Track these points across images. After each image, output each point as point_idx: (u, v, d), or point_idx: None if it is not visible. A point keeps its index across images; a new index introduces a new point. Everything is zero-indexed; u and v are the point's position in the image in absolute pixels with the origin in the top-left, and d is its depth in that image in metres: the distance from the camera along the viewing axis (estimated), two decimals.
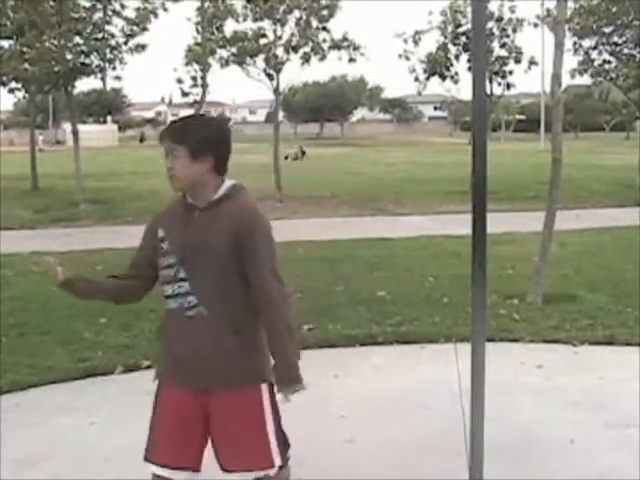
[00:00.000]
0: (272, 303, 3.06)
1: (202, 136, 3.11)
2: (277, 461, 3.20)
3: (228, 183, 3.18)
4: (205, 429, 3.21)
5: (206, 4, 21.78)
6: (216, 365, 3.11)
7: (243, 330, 3.13)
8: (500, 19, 27.68)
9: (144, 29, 21.65)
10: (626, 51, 23.14)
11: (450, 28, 28.39)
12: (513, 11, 27.64)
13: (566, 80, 29.12)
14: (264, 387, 3.18)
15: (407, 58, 28.20)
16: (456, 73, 29.09)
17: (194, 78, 23.33)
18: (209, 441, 3.25)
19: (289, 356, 3.12)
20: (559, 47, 8.29)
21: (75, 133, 21.02)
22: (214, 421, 3.18)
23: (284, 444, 3.27)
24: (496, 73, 27.88)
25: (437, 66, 28.91)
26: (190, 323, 3.11)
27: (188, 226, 3.13)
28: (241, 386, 3.15)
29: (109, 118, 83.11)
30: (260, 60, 22.57)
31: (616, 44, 23.06)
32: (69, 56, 20.95)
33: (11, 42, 21.20)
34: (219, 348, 3.10)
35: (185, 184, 3.12)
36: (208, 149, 3.10)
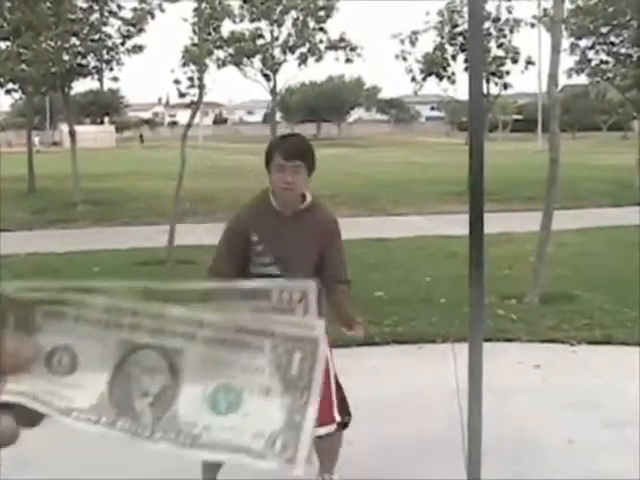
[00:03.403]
0: (345, 292, 4.12)
1: (313, 155, 3.81)
2: (337, 417, 3.78)
3: (309, 196, 3.83)
4: None
5: (203, 5, 21.78)
6: None
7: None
8: (497, 19, 27.68)
9: (141, 30, 21.63)
10: (623, 51, 23.15)
11: (447, 28, 28.39)
12: (510, 11, 27.66)
13: (563, 80, 29.19)
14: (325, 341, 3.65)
15: (404, 58, 28.23)
16: (453, 73, 29.09)
17: (191, 79, 23.38)
18: None
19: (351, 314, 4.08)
20: (556, 47, 8.31)
21: (72, 134, 20.99)
22: None
23: (344, 406, 3.89)
24: (493, 73, 27.88)
25: (434, 66, 28.93)
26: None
27: (281, 230, 3.74)
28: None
29: (106, 119, 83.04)
30: (257, 61, 22.67)
31: (613, 44, 23.07)
32: (66, 57, 20.94)
33: (8, 43, 21.18)
34: None
35: (298, 196, 3.76)
36: (314, 167, 3.79)
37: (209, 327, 0.58)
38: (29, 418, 0.59)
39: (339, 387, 3.90)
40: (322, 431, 3.65)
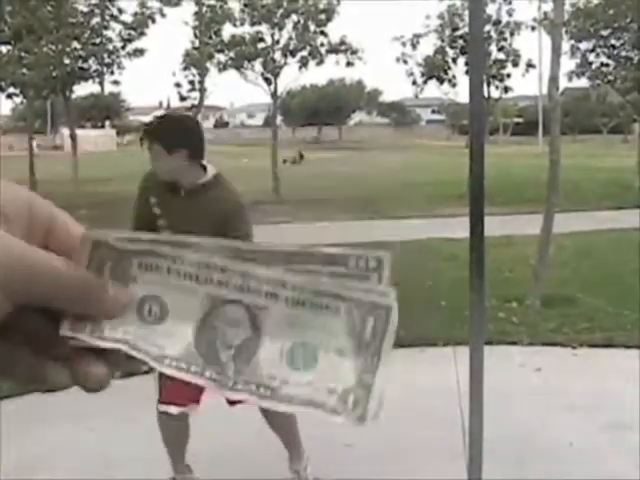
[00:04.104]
0: None
1: (173, 131, 3.65)
2: None
3: (211, 171, 3.71)
4: None
5: (204, 8, 21.82)
6: None
7: None
8: (498, 22, 27.71)
9: (142, 34, 21.68)
10: (624, 54, 23.17)
11: (448, 31, 28.43)
12: (510, 14, 27.69)
13: (564, 83, 29.21)
14: None
15: (405, 62, 28.29)
16: (454, 76, 29.16)
17: (192, 82, 23.34)
18: None
19: None
20: (556, 50, 8.31)
21: (73, 138, 21.04)
22: None
23: None
24: (494, 76, 27.91)
25: (435, 69, 28.97)
26: None
27: (176, 204, 3.69)
28: None
29: (107, 123, 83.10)
30: (258, 64, 22.63)
31: (613, 47, 23.09)
32: (67, 61, 20.99)
33: (9, 47, 21.22)
34: None
35: (165, 175, 3.66)
36: (176, 143, 3.60)
37: (291, 288, 0.61)
38: (123, 365, 0.61)
39: None
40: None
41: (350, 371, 0.61)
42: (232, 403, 3.79)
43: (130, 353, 0.60)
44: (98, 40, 21.88)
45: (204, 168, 3.71)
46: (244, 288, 0.62)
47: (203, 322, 0.62)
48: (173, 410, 3.84)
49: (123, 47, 21.90)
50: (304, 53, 22.59)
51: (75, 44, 21.56)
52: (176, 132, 3.65)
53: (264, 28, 22.45)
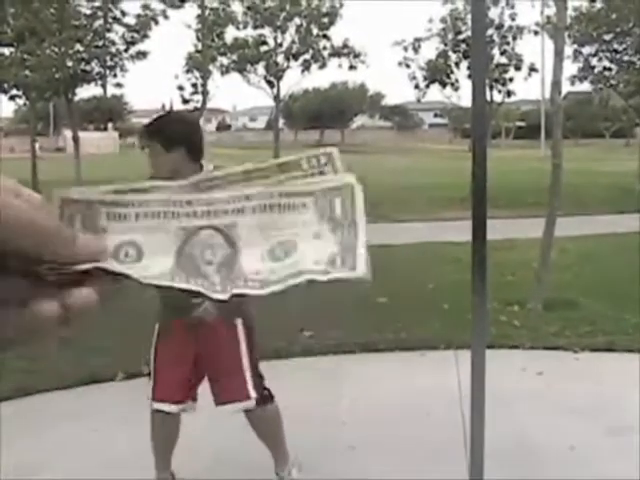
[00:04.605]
0: None
1: (171, 131, 3.64)
2: (253, 394, 3.81)
3: (208, 168, 3.67)
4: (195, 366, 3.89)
5: (207, 11, 21.84)
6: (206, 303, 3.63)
7: None
8: (500, 26, 27.75)
9: (145, 36, 21.71)
10: (626, 58, 23.19)
11: (450, 35, 28.45)
12: (513, 18, 27.72)
13: (566, 87, 29.21)
14: (239, 322, 3.81)
15: (407, 65, 28.30)
16: (456, 80, 29.18)
17: (195, 85, 23.39)
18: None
19: None
20: (559, 54, 8.32)
21: (76, 140, 21.05)
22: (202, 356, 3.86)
23: (259, 379, 3.89)
24: (496, 80, 27.93)
25: (437, 73, 28.99)
26: None
27: None
28: (219, 322, 3.73)
29: (110, 125, 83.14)
30: (261, 67, 22.69)
31: (616, 51, 23.11)
32: (70, 63, 21.01)
33: (12, 49, 21.24)
34: None
35: (164, 173, 3.58)
36: (179, 141, 3.61)
37: (254, 198, 0.65)
38: (105, 283, 0.62)
39: (253, 364, 3.89)
40: (240, 406, 3.87)
41: (331, 244, 0.64)
42: (220, 404, 3.89)
43: (112, 269, 0.61)
44: (101, 42, 21.92)
45: (202, 167, 3.71)
46: (211, 213, 0.64)
47: (180, 252, 0.64)
48: (168, 408, 3.87)
49: (126, 50, 21.94)
50: (307, 56, 22.65)
51: (78, 46, 21.60)
52: (175, 130, 3.66)
53: (267, 31, 22.54)
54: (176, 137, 3.62)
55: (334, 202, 0.65)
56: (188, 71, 23.37)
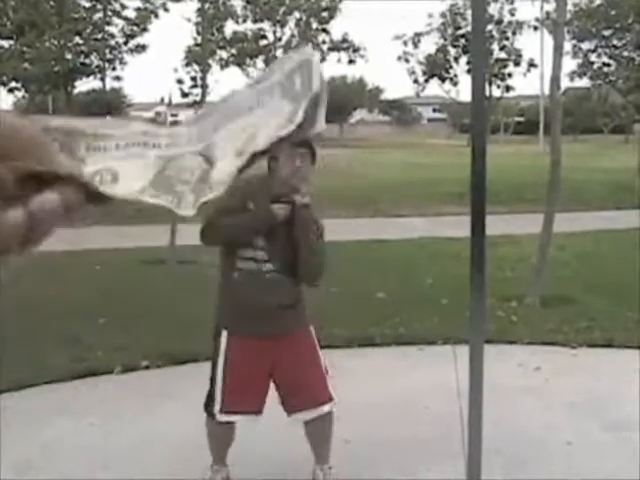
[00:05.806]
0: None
1: None
2: (333, 395, 3.96)
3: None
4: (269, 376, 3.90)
5: (206, 5, 21.81)
6: (286, 314, 3.84)
7: (299, 284, 3.90)
8: (500, 22, 27.76)
9: (144, 29, 21.69)
10: (625, 54, 23.19)
11: (450, 30, 28.46)
12: (513, 14, 27.73)
13: (565, 83, 29.21)
14: (312, 330, 3.99)
15: (407, 60, 28.32)
16: (455, 75, 29.24)
17: (194, 79, 23.36)
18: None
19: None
20: (558, 50, 8.31)
21: None
22: (279, 366, 3.88)
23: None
24: (495, 75, 27.95)
25: (436, 68, 29.00)
26: (268, 281, 3.77)
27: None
28: (297, 331, 3.91)
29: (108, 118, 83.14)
30: (260, 61, 22.67)
31: (615, 47, 23.11)
32: (69, 56, 21.00)
33: (11, 42, 21.21)
34: (291, 300, 3.85)
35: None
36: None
37: (226, 110, 0.67)
38: (75, 191, 0.60)
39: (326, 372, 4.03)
40: (325, 409, 3.93)
41: (291, 109, 0.64)
42: (297, 411, 3.96)
43: (82, 179, 0.61)
44: (100, 35, 21.91)
45: None
46: (192, 140, 0.65)
47: (157, 176, 0.64)
48: (234, 418, 3.91)
49: (125, 43, 21.93)
50: None
51: (77, 39, 21.58)
52: None
53: (266, 25, 22.54)
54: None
55: (294, 78, 0.66)
56: (187, 64, 23.37)
